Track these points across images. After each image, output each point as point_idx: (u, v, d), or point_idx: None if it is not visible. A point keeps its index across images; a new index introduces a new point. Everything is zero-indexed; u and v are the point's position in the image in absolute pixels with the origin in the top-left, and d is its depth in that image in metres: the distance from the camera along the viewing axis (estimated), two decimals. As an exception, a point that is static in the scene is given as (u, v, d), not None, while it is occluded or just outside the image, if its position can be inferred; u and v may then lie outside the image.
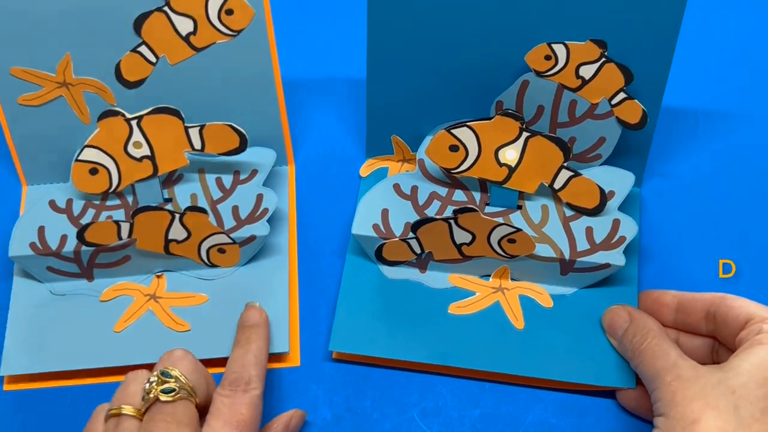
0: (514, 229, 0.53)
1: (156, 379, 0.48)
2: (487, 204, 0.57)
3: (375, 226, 0.56)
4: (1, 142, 0.61)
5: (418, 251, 0.56)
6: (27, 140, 0.59)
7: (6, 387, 0.55)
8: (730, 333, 0.49)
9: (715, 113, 0.65)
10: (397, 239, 0.55)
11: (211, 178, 0.59)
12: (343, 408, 0.54)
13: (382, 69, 0.57)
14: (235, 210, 0.57)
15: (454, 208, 0.53)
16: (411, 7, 0.54)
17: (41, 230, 0.56)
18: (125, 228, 0.54)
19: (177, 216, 0.54)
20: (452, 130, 0.55)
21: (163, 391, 0.47)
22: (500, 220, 0.53)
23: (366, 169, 0.62)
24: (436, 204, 0.57)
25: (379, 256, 0.57)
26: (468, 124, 0.55)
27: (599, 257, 0.54)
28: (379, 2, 0.54)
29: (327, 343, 0.56)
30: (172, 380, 0.47)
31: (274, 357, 0.55)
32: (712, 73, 0.67)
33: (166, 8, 0.54)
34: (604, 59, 0.53)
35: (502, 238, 0.54)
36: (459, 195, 0.58)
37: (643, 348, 0.50)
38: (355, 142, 0.64)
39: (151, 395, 0.47)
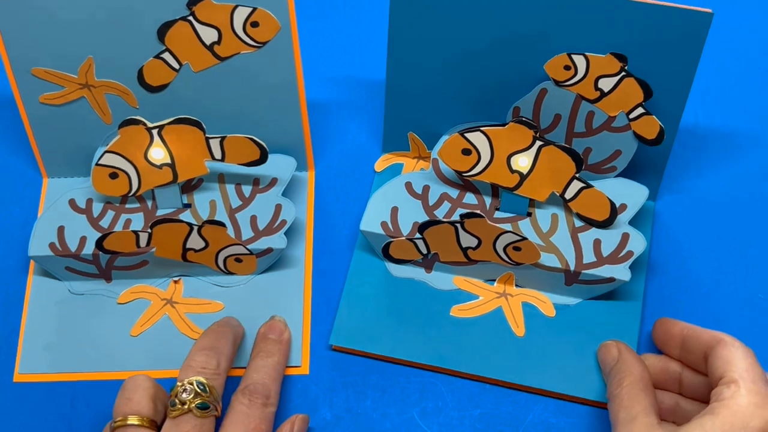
0: (519, 237, 0.53)
1: (193, 391, 0.48)
2: (497, 209, 0.57)
3: (383, 224, 0.56)
4: (21, 134, 0.62)
5: (425, 251, 0.56)
6: (48, 135, 0.59)
7: (16, 378, 0.56)
8: (713, 383, 0.47)
9: (734, 131, 0.64)
10: (404, 238, 0.55)
11: (230, 186, 0.59)
12: (343, 408, 0.54)
13: (402, 65, 0.57)
14: (253, 220, 0.57)
15: (462, 212, 0.53)
16: (432, 9, 0.54)
17: (61, 230, 0.57)
18: (143, 237, 0.55)
19: (195, 228, 0.54)
20: (466, 134, 0.55)
21: (198, 406, 0.47)
22: (508, 226, 0.53)
23: (381, 163, 0.62)
24: (446, 205, 0.57)
25: (386, 254, 0.57)
26: (482, 128, 0.54)
27: (604, 271, 0.54)
28: (401, 3, 0.54)
29: (328, 345, 0.56)
30: (207, 395, 0.48)
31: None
32: (732, 90, 0.65)
33: (190, 18, 0.54)
34: (624, 73, 0.53)
35: (508, 245, 0.53)
36: (470, 198, 0.58)
37: (615, 393, 0.48)
38: (372, 139, 0.64)
39: (186, 406, 0.47)
